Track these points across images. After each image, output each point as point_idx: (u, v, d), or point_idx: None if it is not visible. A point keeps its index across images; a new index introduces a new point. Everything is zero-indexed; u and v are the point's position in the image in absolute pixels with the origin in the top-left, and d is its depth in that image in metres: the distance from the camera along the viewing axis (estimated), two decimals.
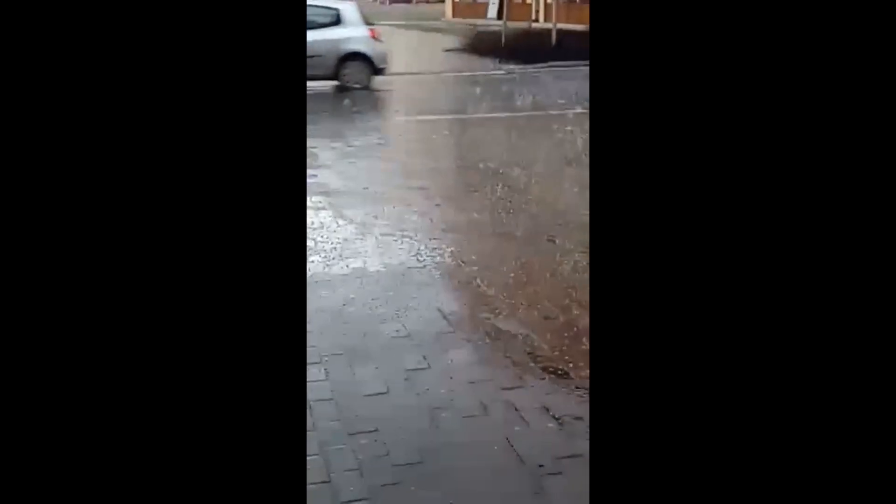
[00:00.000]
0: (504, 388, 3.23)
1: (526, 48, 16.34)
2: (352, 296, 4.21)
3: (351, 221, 5.55)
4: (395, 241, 5.13)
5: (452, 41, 19.40)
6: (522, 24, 21.34)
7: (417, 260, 4.77)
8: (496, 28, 19.58)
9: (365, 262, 4.71)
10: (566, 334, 3.75)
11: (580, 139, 8.55)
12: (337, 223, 5.51)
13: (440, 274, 4.56)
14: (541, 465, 2.72)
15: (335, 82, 12.31)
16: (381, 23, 29.07)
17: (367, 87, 12.22)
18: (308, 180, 6.57)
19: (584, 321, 3.88)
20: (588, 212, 5.65)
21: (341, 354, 3.53)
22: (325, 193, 6.27)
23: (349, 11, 12.46)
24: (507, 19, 18.79)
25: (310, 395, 3.15)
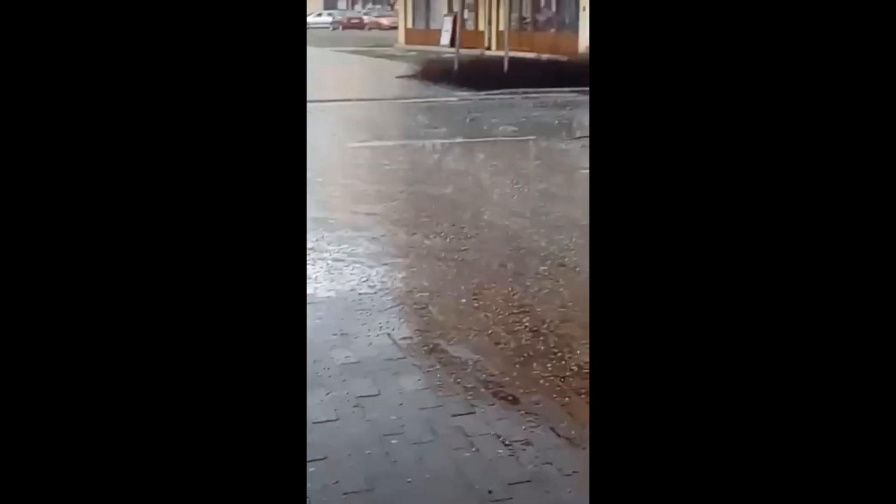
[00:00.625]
0: (454, 415, 3.23)
1: (478, 75, 16.46)
2: None
3: None
4: (346, 266, 5.11)
5: (405, 68, 19.49)
6: (475, 52, 21.53)
7: (368, 286, 4.76)
8: (449, 55, 19.73)
9: (315, 289, 4.69)
10: (517, 360, 3.76)
11: (532, 165, 8.63)
12: None
13: (391, 300, 4.55)
14: (490, 492, 2.71)
15: None
16: (334, 48, 29.11)
17: None
18: None
19: (535, 346, 3.90)
20: (539, 237, 5.68)
21: None
22: None
23: None
24: (460, 46, 18.94)
25: None
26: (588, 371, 3.64)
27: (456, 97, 15.20)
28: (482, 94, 15.21)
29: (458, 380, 3.55)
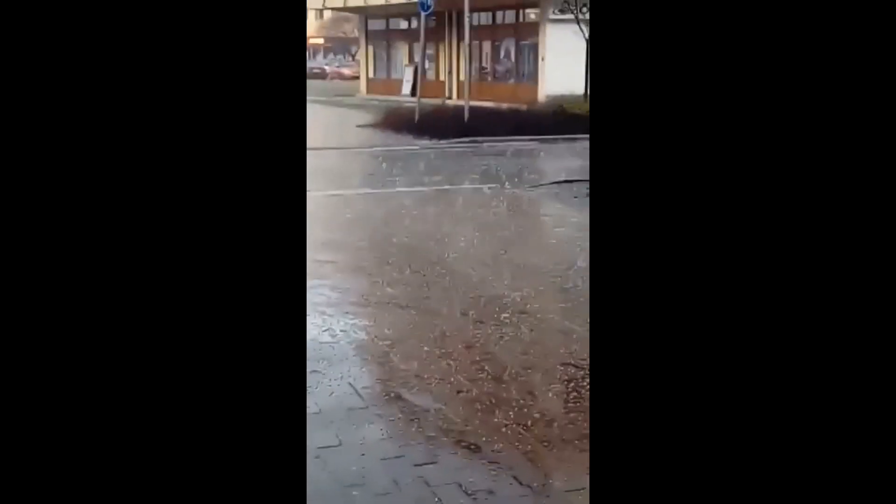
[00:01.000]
0: (417, 465, 3.20)
1: (439, 124, 16.61)
2: None
3: None
4: (308, 316, 5.08)
5: (367, 117, 19.61)
6: (436, 101, 21.76)
7: (330, 335, 4.73)
8: (410, 104, 19.91)
9: None
10: (479, 408, 3.75)
11: (493, 213, 8.68)
12: None
13: (353, 349, 4.52)
14: None
15: None
16: None
17: None
18: None
19: (497, 394, 3.89)
20: (500, 285, 5.70)
21: None
22: None
23: None
24: (421, 96, 19.13)
25: None
26: (549, 418, 3.64)
27: (417, 146, 15.30)
28: (443, 143, 15.33)
29: (421, 429, 3.52)
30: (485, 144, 15.23)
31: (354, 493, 2.98)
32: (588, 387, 3.95)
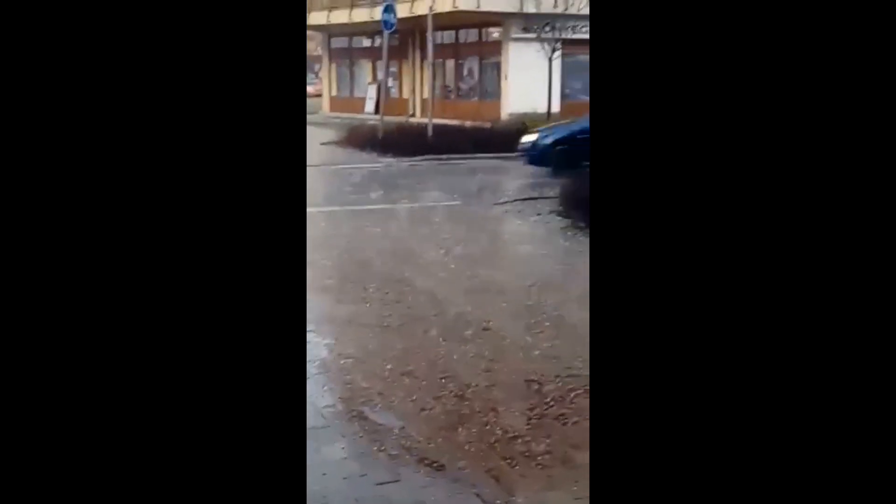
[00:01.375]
0: (379, 484, 3.18)
1: (403, 142, 16.63)
2: None
3: None
4: None
5: (330, 135, 19.58)
6: (399, 119, 21.80)
7: None
8: (373, 122, 19.92)
9: None
10: (442, 425, 3.74)
11: (456, 230, 8.70)
12: None
13: (315, 367, 4.50)
14: None
15: None
16: None
17: None
18: None
19: (460, 411, 3.89)
20: (463, 302, 5.70)
21: None
22: None
23: None
24: (384, 114, 19.15)
25: None
26: (512, 435, 3.64)
27: (380, 163, 15.30)
28: (407, 161, 15.36)
29: (383, 447, 3.51)
30: (448, 162, 15.27)
31: None
32: (551, 404, 3.96)
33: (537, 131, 13.56)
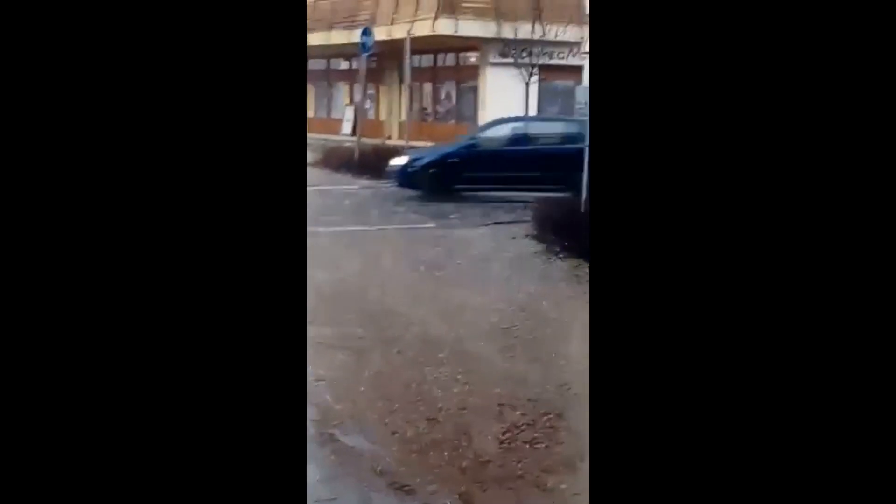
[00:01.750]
0: None
1: (379, 164, 16.64)
2: None
3: None
4: None
5: (307, 155, 19.56)
6: (376, 141, 21.83)
7: None
8: (350, 144, 19.93)
9: None
10: (413, 449, 3.72)
11: (432, 252, 8.70)
12: None
13: None
14: None
15: None
16: None
17: None
18: None
19: (431, 435, 3.87)
20: (438, 323, 5.69)
21: None
22: None
23: None
24: (361, 135, 19.17)
25: None
26: (485, 460, 3.63)
27: (356, 185, 15.29)
28: (383, 183, 15.36)
29: (354, 471, 3.48)
30: None
31: None
32: (524, 428, 3.96)
33: (407, 155, 13.96)
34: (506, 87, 21.11)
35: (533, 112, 20.44)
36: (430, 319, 5.94)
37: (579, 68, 21.32)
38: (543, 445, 3.78)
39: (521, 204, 10.88)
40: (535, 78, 20.14)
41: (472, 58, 24.70)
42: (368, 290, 6.93)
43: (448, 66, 26.12)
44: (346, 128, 27.72)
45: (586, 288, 6.80)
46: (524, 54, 19.99)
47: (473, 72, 24.60)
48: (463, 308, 6.32)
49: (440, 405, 4.25)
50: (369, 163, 16.83)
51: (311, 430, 3.94)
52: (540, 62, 20.59)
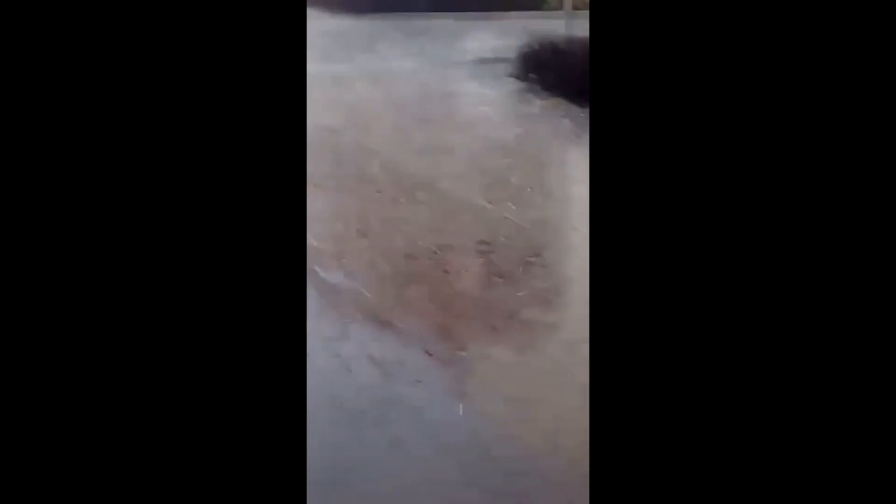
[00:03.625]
0: (329, 338, 3.26)
1: None
2: None
3: None
4: None
5: None
6: None
7: None
8: None
9: None
10: (392, 284, 3.80)
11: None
12: None
13: None
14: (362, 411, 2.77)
15: None
16: None
17: None
18: None
19: (411, 271, 3.93)
20: (413, 164, 5.67)
21: None
22: None
23: None
24: None
25: None
26: (465, 296, 3.72)
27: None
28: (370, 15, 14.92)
29: (333, 305, 3.57)
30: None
31: None
32: (502, 265, 4.04)
33: None
34: None
35: None
36: (408, 160, 5.93)
37: None
38: (520, 282, 3.87)
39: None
40: None
41: None
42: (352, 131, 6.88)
43: None
44: None
45: (566, 125, 6.79)
46: None
47: None
48: (447, 150, 6.30)
49: (419, 243, 4.31)
50: None
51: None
52: None
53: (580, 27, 9.06)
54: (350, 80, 9.60)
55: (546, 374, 3.03)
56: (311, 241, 4.31)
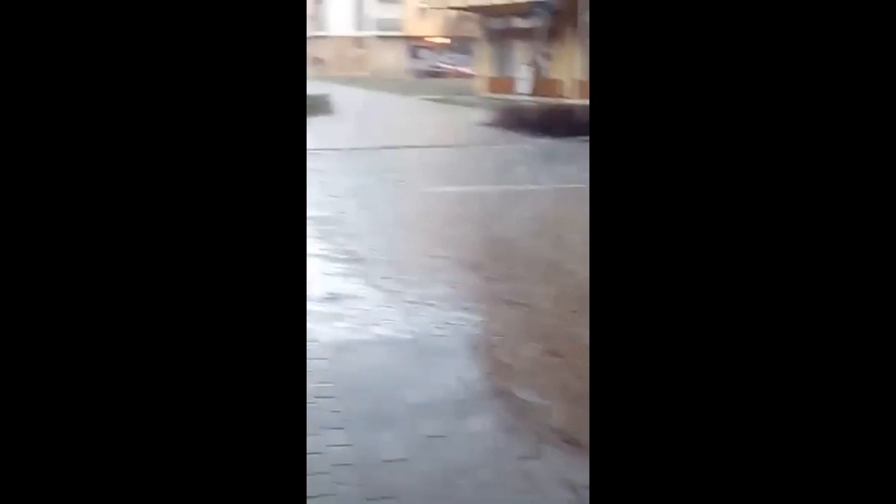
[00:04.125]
0: (521, 458, 3.25)
1: (556, 122, 16.55)
2: (376, 362, 4.27)
3: (378, 289, 5.62)
4: (420, 309, 5.19)
5: (483, 115, 19.71)
6: (552, 100, 21.68)
7: (440, 329, 4.82)
8: (527, 103, 19.89)
9: (390, 330, 4.77)
10: (585, 405, 3.75)
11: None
12: (364, 291, 5.59)
13: (463, 342, 4.60)
14: None
15: None
16: (414, 96, 29.66)
17: None
18: (334, 246, 6.68)
19: None
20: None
21: (363, 419, 3.57)
22: (353, 261, 6.37)
23: None
24: (539, 94, 19.11)
25: (331, 460, 3.19)
26: None
27: (533, 144, 15.29)
28: (560, 142, 15.28)
29: (527, 423, 3.57)
30: None
31: (461, 482, 3.06)
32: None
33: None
34: None
35: None
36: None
37: None
38: None
39: None
40: None
41: None
42: (545, 246, 6.96)
43: None
44: (524, 87, 27.67)
45: None
46: None
47: None
48: None
49: None
50: (547, 121, 16.76)
51: (485, 382, 4.06)
52: None
53: None
54: (544, 194, 9.76)
55: None
56: (504, 357, 4.36)
